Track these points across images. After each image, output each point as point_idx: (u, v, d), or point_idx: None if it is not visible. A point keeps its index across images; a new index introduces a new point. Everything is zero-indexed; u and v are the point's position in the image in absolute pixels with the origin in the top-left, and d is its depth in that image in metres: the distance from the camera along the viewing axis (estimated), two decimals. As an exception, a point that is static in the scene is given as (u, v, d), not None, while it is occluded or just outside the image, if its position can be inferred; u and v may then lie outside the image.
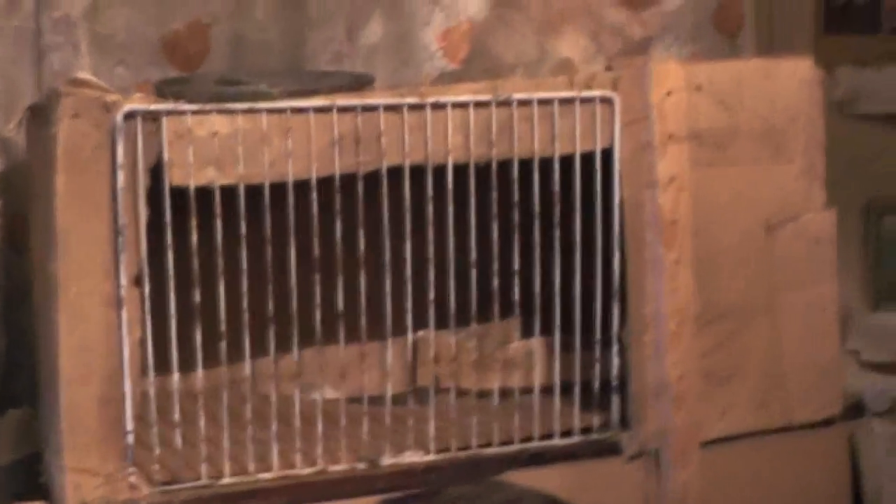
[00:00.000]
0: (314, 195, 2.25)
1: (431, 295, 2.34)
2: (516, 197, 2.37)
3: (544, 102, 2.39)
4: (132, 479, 2.22)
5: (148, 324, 2.23)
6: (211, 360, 2.25)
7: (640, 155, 2.44)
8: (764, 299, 2.54)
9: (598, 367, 2.46)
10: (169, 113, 2.21)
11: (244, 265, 2.24)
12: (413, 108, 2.32)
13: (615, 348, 2.46)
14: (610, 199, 2.43)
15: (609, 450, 2.46)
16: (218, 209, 2.22)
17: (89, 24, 2.82)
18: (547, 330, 2.44)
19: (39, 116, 2.40)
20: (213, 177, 2.23)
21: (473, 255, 2.35)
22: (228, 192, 2.24)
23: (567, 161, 2.40)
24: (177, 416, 2.25)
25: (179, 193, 2.22)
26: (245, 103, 2.26)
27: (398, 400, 2.51)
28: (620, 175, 2.43)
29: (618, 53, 3.02)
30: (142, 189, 2.21)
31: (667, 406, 2.46)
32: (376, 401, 2.48)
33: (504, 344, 2.66)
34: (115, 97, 2.21)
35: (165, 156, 2.21)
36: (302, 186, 2.27)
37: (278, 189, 2.26)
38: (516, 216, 2.38)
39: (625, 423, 2.46)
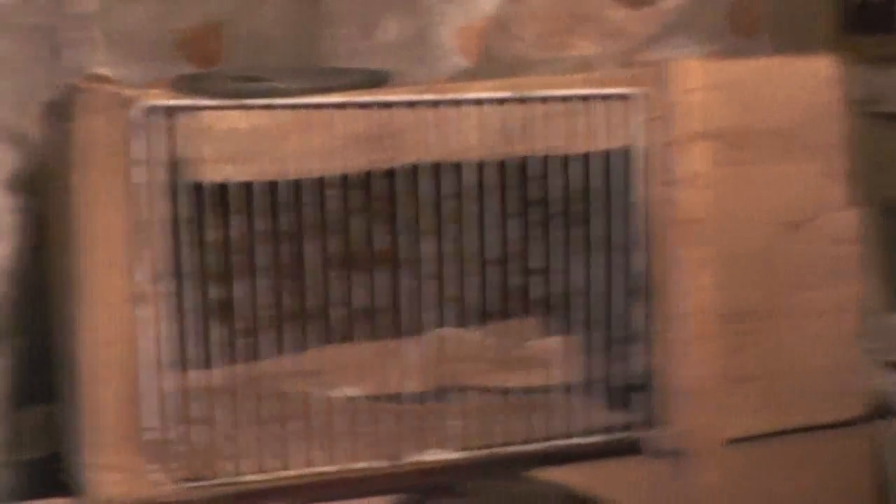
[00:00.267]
0: (332, 192, 2.24)
1: (451, 292, 2.33)
2: (535, 194, 2.36)
3: (565, 100, 2.38)
4: (154, 476, 2.21)
5: (168, 320, 2.22)
6: (231, 357, 2.24)
7: (661, 153, 2.43)
8: (786, 299, 2.53)
9: (620, 366, 2.44)
10: (188, 109, 2.20)
11: (263, 262, 2.23)
12: (433, 104, 2.31)
13: (637, 347, 2.45)
14: (631, 197, 2.42)
15: (631, 449, 2.44)
16: (236, 205, 2.21)
17: (105, 20, 2.81)
18: (568, 328, 2.43)
19: (57, 113, 2.40)
20: (232, 173, 2.22)
21: (493, 252, 2.35)
22: (247, 189, 2.23)
23: (588, 159, 2.39)
24: (197, 413, 2.24)
25: (198, 189, 2.21)
26: (264, 99, 2.25)
27: (419, 398, 2.50)
28: (641, 173, 2.42)
29: (626, 53, 3.01)
30: (160, 185, 2.20)
31: (689, 405, 2.44)
32: (397, 398, 2.47)
33: (525, 342, 2.65)
34: (133, 93, 2.20)
35: (183, 152, 2.20)
36: (321, 183, 2.26)
37: (297, 186, 2.25)
38: (535, 214, 2.37)
39: (647, 422, 2.45)
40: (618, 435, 2.45)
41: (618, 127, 2.41)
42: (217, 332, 2.21)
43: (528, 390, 2.49)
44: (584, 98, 2.39)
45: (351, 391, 2.56)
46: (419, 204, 2.30)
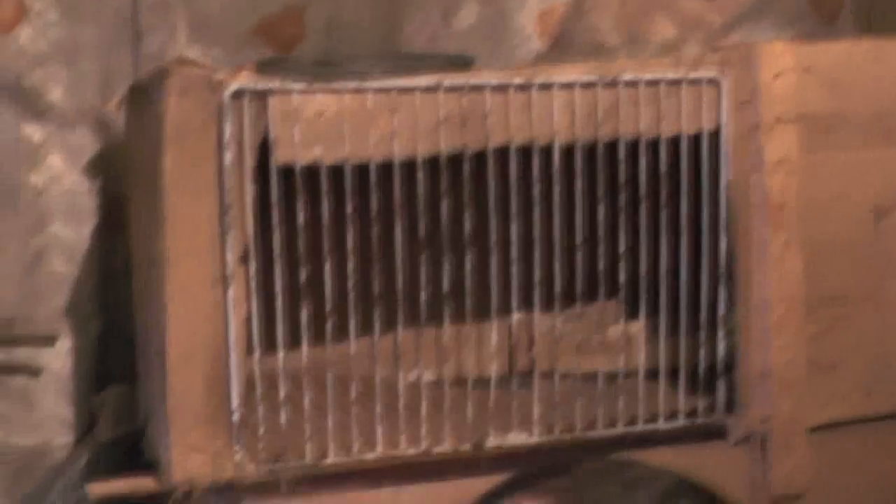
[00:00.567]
0: (421, 174, 2.24)
1: (537, 275, 2.32)
2: (623, 178, 2.34)
3: (651, 84, 2.36)
4: (238, 457, 2.22)
5: (254, 303, 2.22)
6: (317, 339, 2.24)
7: (748, 137, 2.41)
8: (871, 285, 2.51)
9: (704, 351, 2.43)
10: (276, 92, 2.21)
11: (351, 244, 2.23)
12: (520, 88, 2.30)
13: (722, 332, 2.43)
14: (717, 181, 2.41)
15: (715, 434, 2.43)
16: (325, 188, 2.22)
17: (186, 6, 2.82)
18: (654, 312, 2.42)
19: (140, 96, 2.40)
20: (320, 155, 2.22)
21: (580, 235, 2.33)
22: (335, 172, 2.23)
23: (674, 142, 2.37)
24: (282, 395, 2.24)
25: (286, 172, 2.21)
26: (351, 82, 2.24)
27: (501, 382, 2.49)
28: (728, 157, 2.40)
29: (705, 38, 2.99)
30: (248, 167, 2.20)
31: (773, 391, 2.42)
32: (479, 383, 2.47)
33: (607, 326, 2.63)
34: (222, 76, 2.20)
35: (272, 134, 2.20)
36: (408, 166, 2.25)
37: (385, 169, 2.24)
38: (621, 197, 2.36)
39: (731, 407, 2.43)
40: (701, 420, 2.43)
41: (705, 110, 2.39)
42: (304, 315, 2.21)
43: (612, 374, 2.48)
44: (672, 82, 2.37)
45: (436, 374, 2.56)
46: (507, 187, 2.29)
